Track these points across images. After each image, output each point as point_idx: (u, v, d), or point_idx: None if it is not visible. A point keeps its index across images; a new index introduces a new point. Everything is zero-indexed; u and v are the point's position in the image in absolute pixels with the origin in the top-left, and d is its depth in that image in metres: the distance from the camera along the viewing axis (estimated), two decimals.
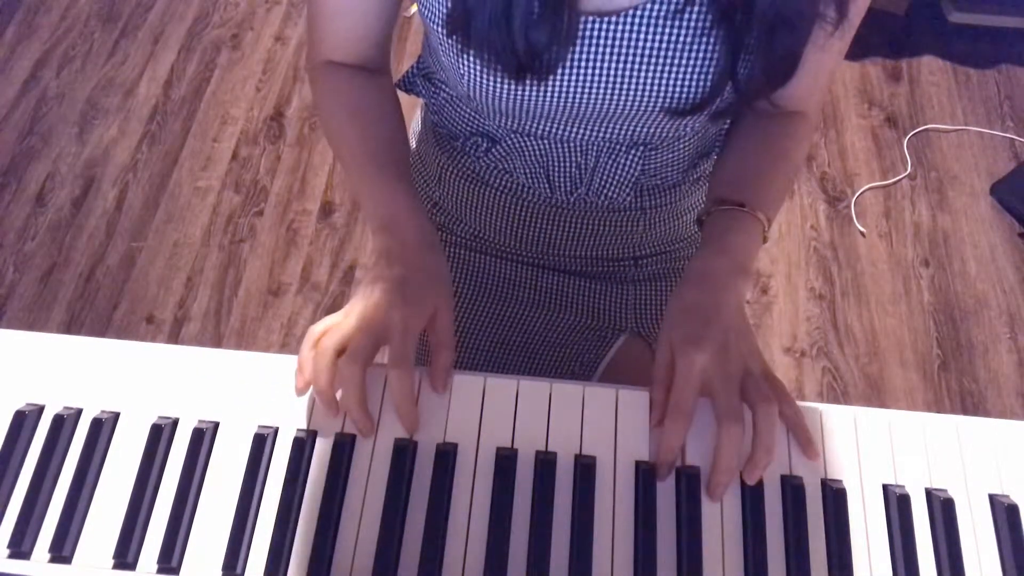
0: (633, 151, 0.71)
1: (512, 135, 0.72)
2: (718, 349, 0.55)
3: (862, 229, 1.76)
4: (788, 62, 0.59)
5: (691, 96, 0.61)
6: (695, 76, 0.60)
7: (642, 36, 0.58)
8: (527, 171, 0.75)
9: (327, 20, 0.68)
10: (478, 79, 0.61)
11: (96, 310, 1.64)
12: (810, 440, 0.56)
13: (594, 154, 0.72)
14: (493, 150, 0.74)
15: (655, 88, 0.61)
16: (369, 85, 0.71)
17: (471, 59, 0.60)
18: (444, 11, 0.59)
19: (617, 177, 0.73)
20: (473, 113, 0.73)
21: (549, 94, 0.62)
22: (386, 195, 0.64)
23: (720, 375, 0.54)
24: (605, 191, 0.75)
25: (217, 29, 2.06)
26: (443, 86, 0.74)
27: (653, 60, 0.59)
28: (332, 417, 0.56)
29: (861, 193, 1.80)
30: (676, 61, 0.59)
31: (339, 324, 0.56)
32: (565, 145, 0.71)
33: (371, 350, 0.55)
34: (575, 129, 0.68)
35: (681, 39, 0.58)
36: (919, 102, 1.94)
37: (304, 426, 0.56)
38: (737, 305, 0.59)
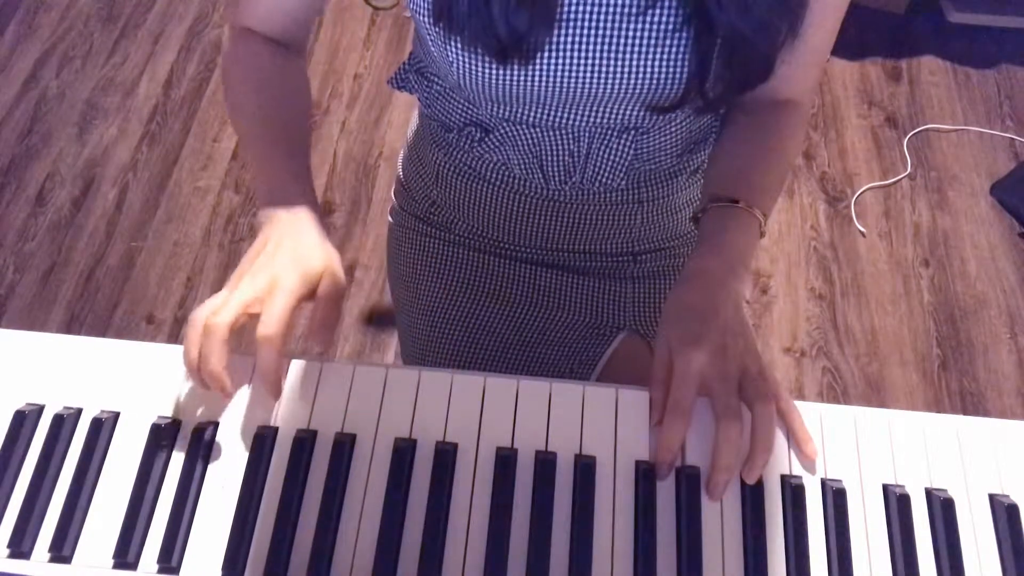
0: (624, 135, 0.71)
1: (504, 124, 0.72)
2: (716, 349, 0.55)
3: (862, 229, 1.76)
4: (759, 67, 0.60)
5: (668, 86, 0.62)
6: (670, 67, 0.61)
7: (622, 20, 0.59)
8: (521, 161, 0.76)
9: None
10: (465, 65, 0.62)
11: (96, 310, 1.64)
12: (808, 438, 0.56)
13: (586, 140, 0.72)
14: (486, 139, 0.75)
15: (637, 70, 0.62)
16: (282, 62, 0.72)
17: (457, 46, 0.61)
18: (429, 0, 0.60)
19: (610, 162, 0.74)
20: (465, 103, 0.73)
21: (535, 77, 0.62)
22: (274, 170, 0.65)
23: (718, 374, 0.54)
24: (599, 177, 0.75)
25: (217, 29, 2.06)
26: (435, 79, 0.75)
27: (634, 44, 0.60)
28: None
29: (861, 193, 1.80)
30: (654, 42, 0.60)
31: (222, 297, 0.55)
32: (557, 132, 0.71)
33: (243, 305, 0.54)
34: (565, 114, 0.69)
35: (655, 29, 0.60)
36: (919, 102, 1.94)
37: (304, 426, 0.56)
38: (735, 304, 0.59)
